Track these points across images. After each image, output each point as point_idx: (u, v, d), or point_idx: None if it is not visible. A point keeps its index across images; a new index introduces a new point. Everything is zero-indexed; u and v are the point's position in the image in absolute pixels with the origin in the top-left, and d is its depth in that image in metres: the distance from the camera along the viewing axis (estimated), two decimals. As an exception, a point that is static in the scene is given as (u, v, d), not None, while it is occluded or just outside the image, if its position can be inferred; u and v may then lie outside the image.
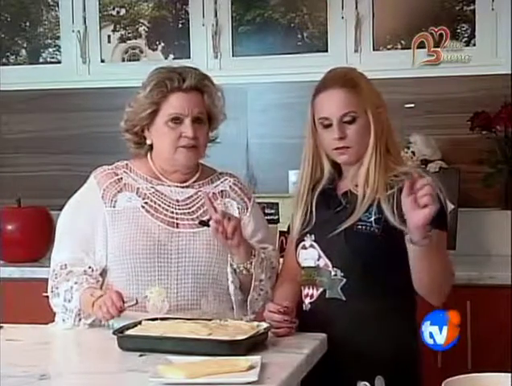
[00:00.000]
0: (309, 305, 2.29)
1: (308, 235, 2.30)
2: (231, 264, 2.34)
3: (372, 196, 2.22)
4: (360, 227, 2.21)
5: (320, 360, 2.12)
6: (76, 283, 2.32)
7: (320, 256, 2.26)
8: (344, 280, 2.21)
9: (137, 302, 2.25)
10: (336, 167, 2.34)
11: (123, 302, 2.20)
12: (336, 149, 2.26)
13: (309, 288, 2.29)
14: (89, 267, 2.37)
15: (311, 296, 2.28)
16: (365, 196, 2.22)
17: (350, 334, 2.21)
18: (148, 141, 2.44)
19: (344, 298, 2.22)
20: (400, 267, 2.14)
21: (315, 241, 2.28)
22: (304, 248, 2.31)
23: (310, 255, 2.29)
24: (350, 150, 2.25)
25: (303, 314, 2.28)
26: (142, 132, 2.43)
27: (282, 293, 2.33)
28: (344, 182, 2.33)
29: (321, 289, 2.26)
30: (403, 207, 2.01)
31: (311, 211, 2.32)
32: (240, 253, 2.31)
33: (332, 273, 2.23)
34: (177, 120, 2.37)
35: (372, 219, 2.20)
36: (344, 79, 2.26)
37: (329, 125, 2.25)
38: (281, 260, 2.49)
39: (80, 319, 2.33)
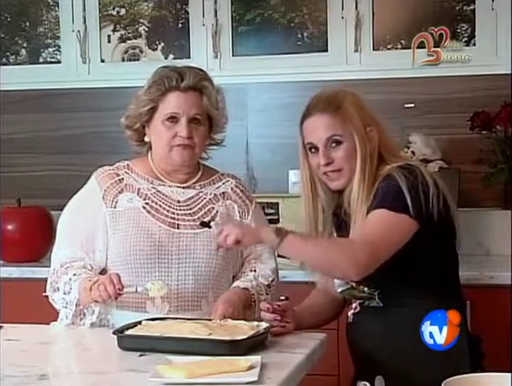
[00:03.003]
0: (352, 317, 2.28)
1: None
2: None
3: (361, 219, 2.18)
4: None
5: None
6: (74, 275, 2.32)
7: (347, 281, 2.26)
8: (378, 290, 2.20)
9: (136, 291, 2.25)
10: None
11: (122, 286, 2.20)
12: (325, 174, 2.24)
13: (353, 302, 2.29)
14: (89, 264, 2.37)
15: (355, 308, 2.28)
16: (356, 219, 2.19)
17: (389, 338, 2.19)
18: (146, 139, 2.44)
19: (381, 304, 2.20)
20: (426, 270, 2.15)
21: None
22: None
23: (339, 280, 2.29)
24: (342, 173, 2.23)
25: (347, 327, 2.31)
26: (142, 128, 2.43)
27: (315, 300, 2.37)
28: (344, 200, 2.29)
29: (361, 300, 2.25)
30: None
31: (333, 234, 2.31)
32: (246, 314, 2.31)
33: (366, 289, 2.22)
34: (173, 119, 2.37)
35: None
36: (326, 102, 2.24)
37: (317, 151, 2.24)
38: (280, 260, 2.48)
39: (81, 319, 2.34)
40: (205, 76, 2.43)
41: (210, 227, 2.38)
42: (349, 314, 2.30)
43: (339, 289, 2.32)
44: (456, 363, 2.09)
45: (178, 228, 2.38)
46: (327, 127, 2.21)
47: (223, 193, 2.48)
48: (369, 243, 2.06)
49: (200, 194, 2.46)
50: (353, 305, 2.29)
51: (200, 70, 2.45)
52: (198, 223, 2.38)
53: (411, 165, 2.22)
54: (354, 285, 2.25)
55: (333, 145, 2.21)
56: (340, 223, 2.31)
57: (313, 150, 2.25)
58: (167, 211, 2.40)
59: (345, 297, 2.33)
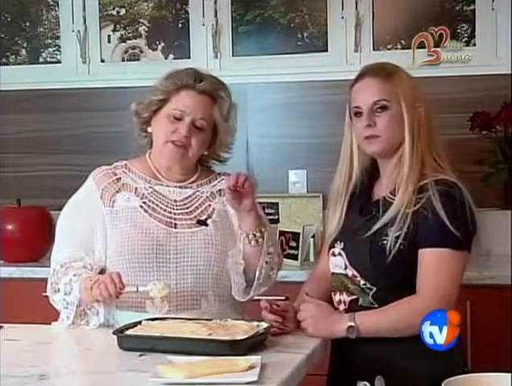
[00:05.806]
0: (344, 313, 2.22)
1: (338, 241, 2.25)
2: (242, 232, 2.33)
3: (398, 208, 2.13)
4: (385, 242, 2.12)
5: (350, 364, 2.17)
6: (75, 275, 2.32)
7: (346, 266, 2.21)
8: (374, 288, 2.16)
9: (137, 290, 2.25)
10: (374, 168, 2.27)
11: (123, 285, 2.20)
12: (366, 138, 2.19)
13: (340, 293, 2.24)
14: (89, 264, 2.37)
15: (344, 302, 2.23)
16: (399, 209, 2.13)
17: (383, 341, 2.13)
18: (149, 129, 2.45)
19: (376, 305, 2.15)
20: None
21: (343, 250, 2.23)
22: (334, 255, 2.26)
23: (338, 263, 2.24)
24: (379, 139, 2.18)
25: None
26: (149, 119, 2.44)
27: (312, 290, 2.32)
28: (380, 185, 2.26)
29: (353, 296, 2.20)
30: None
31: (345, 215, 2.28)
32: (251, 217, 2.30)
33: (362, 283, 2.17)
34: (178, 117, 2.37)
35: (401, 234, 2.11)
36: (380, 68, 2.22)
37: (361, 114, 2.20)
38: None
39: (81, 319, 2.33)
40: (224, 87, 2.44)
41: (207, 225, 2.38)
42: (341, 308, 2.24)
43: (332, 271, 2.25)
44: (453, 363, 2.10)
45: (175, 227, 2.38)
46: (376, 91, 2.18)
47: (219, 190, 2.48)
48: (440, 296, 2.06)
49: (197, 193, 2.46)
50: (341, 299, 2.24)
51: (222, 82, 2.46)
52: (195, 221, 2.39)
53: (453, 186, 2.15)
54: (350, 274, 2.20)
55: (379, 110, 2.17)
56: (353, 204, 2.27)
57: (358, 115, 2.20)
58: (165, 210, 2.41)
59: (333, 284, 2.26)
